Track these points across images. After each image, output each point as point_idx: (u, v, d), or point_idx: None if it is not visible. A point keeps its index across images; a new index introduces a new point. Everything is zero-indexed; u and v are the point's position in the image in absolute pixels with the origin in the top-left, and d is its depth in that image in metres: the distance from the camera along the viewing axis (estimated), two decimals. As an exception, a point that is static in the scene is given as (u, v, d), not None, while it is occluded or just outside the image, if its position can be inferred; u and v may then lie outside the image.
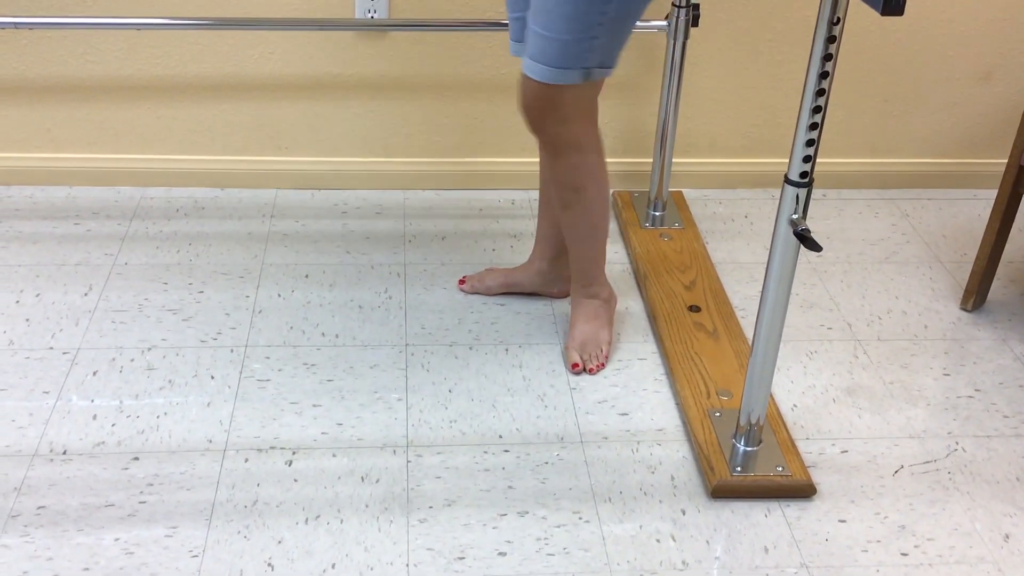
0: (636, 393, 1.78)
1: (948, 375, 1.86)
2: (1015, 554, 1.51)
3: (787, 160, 1.40)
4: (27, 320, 1.88)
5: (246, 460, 1.61)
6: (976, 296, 2.02)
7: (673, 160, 2.20)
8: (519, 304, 1.98)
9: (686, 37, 2.03)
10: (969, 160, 2.44)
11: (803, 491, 1.58)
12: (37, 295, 1.95)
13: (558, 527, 1.52)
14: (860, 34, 2.25)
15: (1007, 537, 1.54)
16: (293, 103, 2.26)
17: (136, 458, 1.60)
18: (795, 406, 1.77)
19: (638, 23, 2.05)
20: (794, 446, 1.64)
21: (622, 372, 1.83)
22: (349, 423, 1.69)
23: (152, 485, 1.56)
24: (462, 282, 2.02)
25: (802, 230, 1.39)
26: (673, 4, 2.00)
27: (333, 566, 1.44)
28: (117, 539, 1.47)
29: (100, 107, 2.24)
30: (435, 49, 2.21)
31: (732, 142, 2.38)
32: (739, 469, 1.59)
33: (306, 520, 1.51)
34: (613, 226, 2.25)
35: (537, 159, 2.11)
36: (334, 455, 1.63)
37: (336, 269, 2.07)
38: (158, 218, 2.20)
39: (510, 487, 1.58)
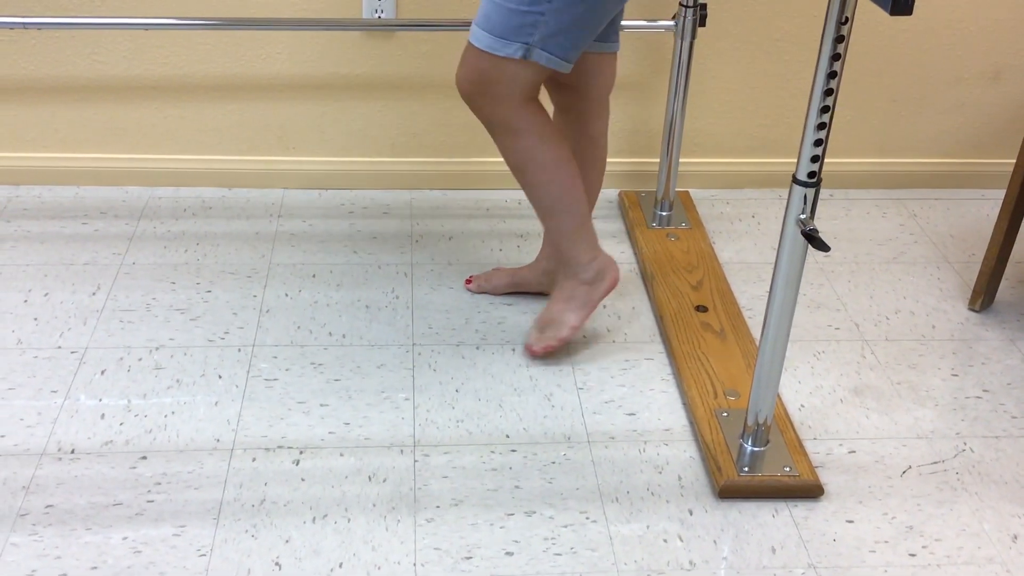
0: (643, 393, 1.78)
1: (956, 375, 1.86)
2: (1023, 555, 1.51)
3: (794, 160, 1.40)
4: (35, 319, 1.89)
5: (253, 459, 1.61)
6: (984, 296, 2.01)
7: (680, 160, 2.20)
8: (526, 304, 1.98)
9: (693, 37, 2.02)
10: (977, 160, 2.43)
11: (811, 491, 1.58)
12: (45, 294, 1.96)
13: (565, 527, 1.52)
14: (868, 34, 2.25)
15: (1015, 538, 1.54)
16: (300, 103, 2.26)
17: (144, 457, 1.61)
18: (802, 406, 1.77)
19: (642, 23, 2.08)
20: (801, 446, 1.64)
21: (629, 372, 1.83)
22: (356, 422, 1.69)
23: (160, 484, 1.56)
24: (469, 282, 2.02)
25: (810, 230, 1.38)
26: (680, 4, 2.00)
27: (340, 565, 1.45)
28: (125, 538, 1.47)
29: (108, 107, 2.24)
30: (442, 49, 2.21)
31: (739, 142, 2.38)
32: (746, 469, 1.58)
33: (313, 519, 1.51)
34: (620, 226, 2.25)
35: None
36: (341, 454, 1.63)
37: (343, 269, 2.07)
38: (166, 218, 2.21)
39: (517, 487, 1.58)
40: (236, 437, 1.65)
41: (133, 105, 2.24)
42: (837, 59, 1.29)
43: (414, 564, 1.45)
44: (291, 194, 2.31)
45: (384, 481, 1.58)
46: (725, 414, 1.69)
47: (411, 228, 2.21)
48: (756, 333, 1.88)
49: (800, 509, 1.57)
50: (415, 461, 1.62)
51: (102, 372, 1.77)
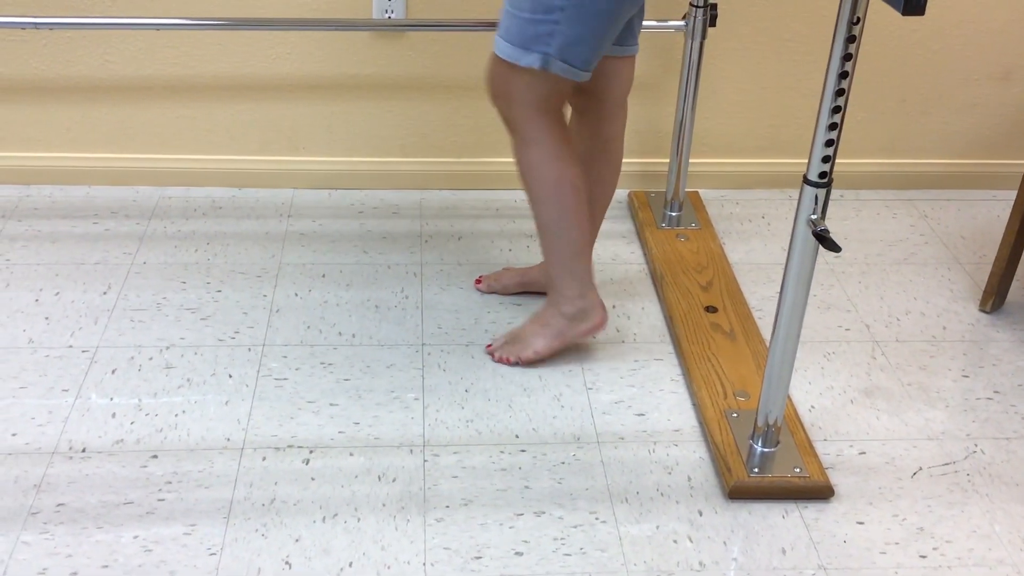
0: (653, 393, 1.78)
1: (967, 377, 1.86)
2: (1035, 557, 1.50)
3: (804, 160, 1.40)
4: (46, 319, 1.89)
5: (264, 459, 1.61)
6: (995, 297, 2.01)
7: (690, 160, 2.20)
8: (535, 304, 1.98)
9: (703, 37, 2.02)
10: (988, 160, 2.43)
11: (821, 492, 1.58)
12: (56, 294, 1.96)
13: (575, 527, 1.52)
14: (878, 34, 2.24)
15: (1027, 540, 1.53)
16: (310, 103, 2.26)
17: (155, 456, 1.61)
18: (813, 407, 1.77)
19: (652, 23, 2.07)
20: (812, 447, 1.63)
21: (639, 372, 1.83)
22: (366, 422, 1.69)
23: (171, 483, 1.56)
24: (479, 282, 2.02)
25: (821, 230, 1.38)
26: (691, 4, 2.00)
27: (350, 564, 1.45)
28: (136, 537, 1.47)
29: (119, 107, 2.25)
30: (452, 49, 2.22)
31: (749, 142, 2.37)
32: (756, 470, 1.58)
33: (323, 519, 1.52)
34: (630, 227, 2.25)
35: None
36: (351, 454, 1.63)
37: (353, 269, 2.08)
38: (176, 217, 2.21)
39: (527, 487, 1.58)
40: (246, 436, 1.66)
41: (144, 105, 2.25)
42: (849, 59, 1.29)
43: (424, 564, 1.45)
44: (301, 194, 2.32)
45: (394, 481, 1.59)
46: (735, 415, 1.69)
47: (421, 228, 2.22)
48: (766, 334, 1.88)
49: (810, 510, 1.57)
50: (425, 461, 1.62)
51: (113, 371, 1.78)
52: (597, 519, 1.53)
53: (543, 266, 1.98)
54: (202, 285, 2.00)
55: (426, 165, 2.34)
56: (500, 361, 1.82)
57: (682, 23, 2.03)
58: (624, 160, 1.86)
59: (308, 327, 1.90)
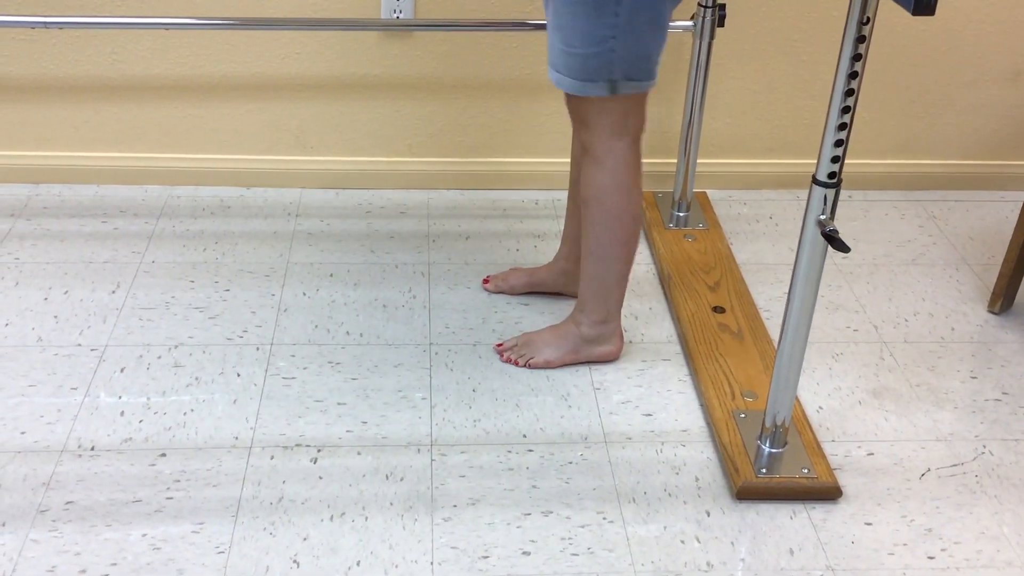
0: (660, 394, 1.78)
1: (975, 378, 1.85)
2: (1043, 559, 1.50)
3: (812, 161, 1.40)
4: (55, 317, 1.90)
5: (272, 457, 1.62)
6: (1003, 299, 2.00)
7: (698, 160, 2.20)
8: (543, 304, 1.98)
9: (712, 37, 2.02)
10: (997, 161, 2.42)
11: (829, 493, 1.58)
12: (65, 292, 1.97)
13: (582, 527, 1.52)
14: (887, 34, 2.24)
15: (1035, 541, 1.53)
16: (319, 103, 2.27)
17: (163, 454, 1.61)
18: (821, 408, 1.77)
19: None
20: (820, 448, 1.63)
21: (646, 373, 1.83)
22: (374, 421, 1.70)
23: (179, 481, 1.57)
24: (486, 282, 2.02)
25: (830, 231, 1.38)
26: (699, 4, 2.00)
27: (358, 563, 1.45)
28: (144, 535, 1.48)
29: (128, 106, 2.26)
30: (460, 49, 2.22)
31: (757, 143, 2.37)
32: (764, 471, 1.58)
33: (331, 517, 1.52)
34: (637, 226, 2.25)
35: (562, 160, 2.11)
36: (359, 453, 1.63)
37: (361, 268, 2.08)
38: (185, 217, 2.22)
39: (534, 486, 1.59)
40: (254, 435, 1.66)
41: (153, 104, 2.26)
42: (858, 59, 1.29)
43: (431, 563, 1.45)
44: (309, 194, 2.32)
45: (401, 480, 1.59)
46: (743, 415, 1.68)
47: (428, 228, 2.22)
48: (774, 334, 1.88)
49: (818, 511, 1.56)
50: (432, 460, 1.63)
51: (121, 370, 1.78)
52: (604, 519, 1.53)
53: (551, 267, 1.99)
54: (210, 284, 2.01)
55: (434, 165, 2.34)
56: (508, 361, 1.82)
57: (690, 23, 2.03)
58: None
59: (316, 326, 1.91)
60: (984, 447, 1.70)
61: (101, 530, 1.48)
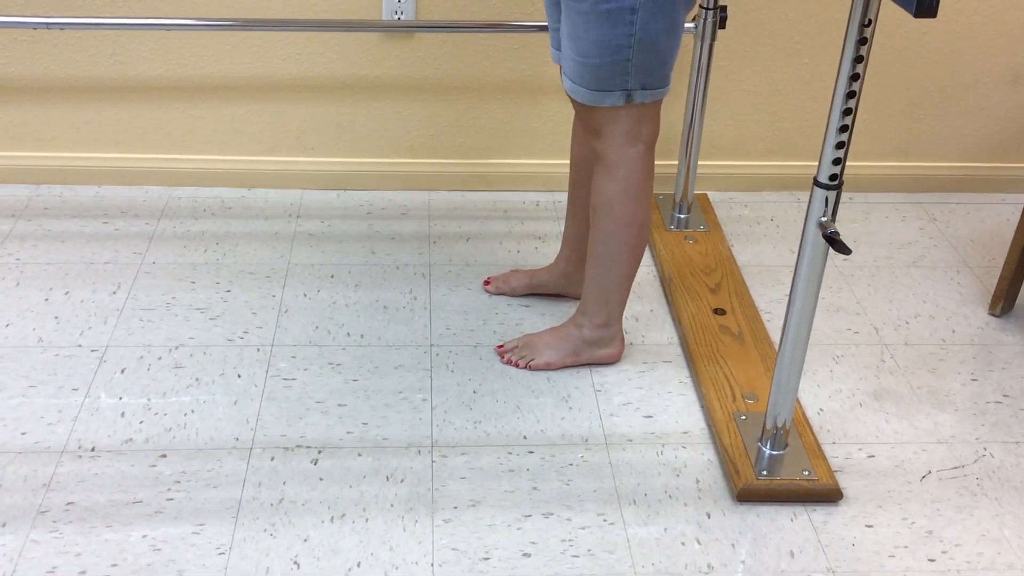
0: (661, 395, 1.78)
1: (976, 380, 1.85)
2: (1044, 561, 1.50)
3: (813, 163, 1.40)
4: (56, 318, 1.90)
5: (272, 458, 1.62)
6: (1004, 301, 2.00)
7: (699, 162, 2.20)
8: (544, 305, 1.98)
9: (713, 39, 2.02)
10: (998, 164, 2.42)
11: (829, 495, 1.58)
12: (66, 293, 1.97)
13: (583, 529, 1.52)
14: (889, 36, 2.24)
15: (1036, 544, 1.53)
16: (320, 104, 2.27)
17: (164, 455, 1.61)
18: (821, 410, 1.76)
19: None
20: (820, 450, 1.63)
21: (647, 375, 1.83)
22: (374, 423, 1.70)
23: (179, 483, 1.57)
24: (487, 283, 2.02)
25: (831, 233, 1.38)
26: (700, 6, 2.00)
27: (358, 565, 1.45)
28: (145, 536, 1.48)
29: (129, 107, 2.26)
30: (461, 51, 2.22)
31: (758, 144, 2.37)
32: (765, 473, 1.58)
33: (331, 519, 1.52)
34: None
35: (562, 161, 2.11)
36: (359, 454, 1.63)
37: (361, 269, 2.08)
38: (186, 217, 2.22)
39: (535, 488, 1.58)
40: (255, 436, 1.66)
41: (153, 105, 2.26)
42: (860, 61, 1.29)
43: (432, 564, 1.45)
44: (310, 195, 2.32)
45: (402, 481, 1.59)
46: (743, 417, 1.68)
47: (429, 229, 2.22)
48: (774, 336, 1.88)
49: (819, 513, 1.56)
50: (433, 462, 1.63)
51: (122, 371, 1.78)
52: (605, 521, 1.53)
53: (552, 268, 1.99)
54: (211, 285, 2.01)
55: (435, 166, 2.34)
56: (508, 363, 1.82)
57: (692, 25, 2.03)
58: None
59: (317, 327, 1.91)
60: (985, 449, 1.70)
61: (101, 531, 1.48)
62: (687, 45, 2.21)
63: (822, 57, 2.27)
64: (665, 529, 1.52)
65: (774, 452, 1.61)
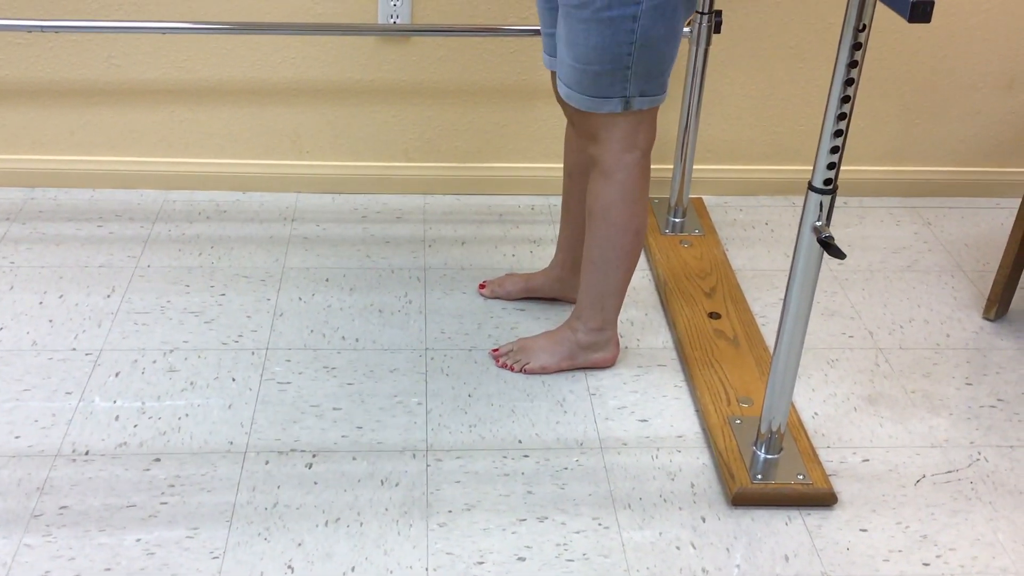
0: (656, 399, 1.78)
1: (970, 384, 1.85)
2: (1038, 565, 1.50)
3: (808, 167, 1.40)
4: (50, 321, 1.90)
5: (267, 462, 1.61)
6: (999, 305, 2.01)
7: (694, 166, 2.20)
8: (539, 309, 1.98)
9: (708, 44, 2.02)
10: (992, 168, 2.43)
11: (824, 499, 1.58)
12: (60, 296, 1.96)
13: (577, 533, 1.52)
14: (883, 41, 2.24)
15: (1030, 548, 1.53)
16: (315, 107, 2.27)
17: (158, 459, 1.61)
18: (816, 414, 1.77)
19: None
20: (815, 454, 1.63)
21: (641, 378, 1.83)
22: (369, 427, 1.69)
23: (173, 486, 1.56)
24: (482, 287, 2.02)
25: (826, 237, 1.38)
26: (696, 11, 2.00)
27: (353, 569, 1.45)
28: (138, 540, 1.47)
29: (124, 110, 2.26)
30: (457, 54, 2.22)
31: (753, 149, 2.38)
32: (759, 477, 1.58)
33: (326, 523, 1.52)
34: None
35: (558, 165, 2.11)
36: (354, 458, 1.63)
37: (356, 273, 2.08)
38: (180, 221, 2.22)
39: (529, 492, 1.58)
40: (249, 440, 1.66)
41: (148, 108, 2.25)
42: (854, 66, 1.29)
43: (426, 568, 1.45)
44: (305, 198, 2.32)
45: (397, 485, 1.59)
46: (738, 421, 1.68)
47: (424, 233, 2.22)
48: (769, 340, 1.88)
49: (813, 517, 1.56)
50: (427, 466, 1.62)
51: (116, 374, 1.78)
52: (600, 525, 1.53)
53: (547, 272, 1.99)
54: (206, 289, 2.00)
55: (430, 170, 2.34)
56: (504, 367, 1.82)
57: (687, 29, 2.03)
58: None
59: (311, 331, 1.90)
60: (979, 454, 1.70)
61: (95, 535, 1.48)
62: (682, 50, 2.21)
63: (817, 62, 2.27)
64: (660, 533, 1.52)
65: (769, 456, 1.61)
